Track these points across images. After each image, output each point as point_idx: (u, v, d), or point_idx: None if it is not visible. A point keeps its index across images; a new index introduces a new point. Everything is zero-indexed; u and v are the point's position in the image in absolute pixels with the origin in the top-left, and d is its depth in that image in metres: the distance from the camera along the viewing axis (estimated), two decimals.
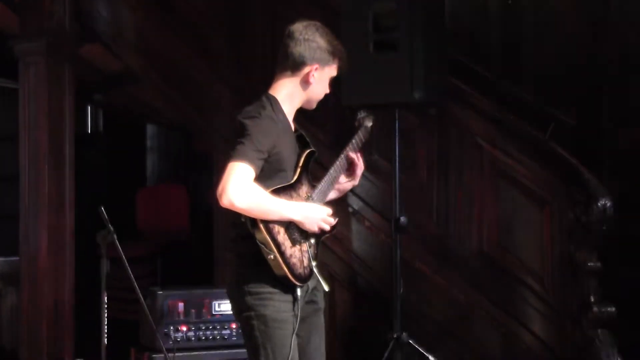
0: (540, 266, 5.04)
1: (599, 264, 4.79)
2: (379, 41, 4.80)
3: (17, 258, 6.28)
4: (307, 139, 3.68)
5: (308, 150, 3.63)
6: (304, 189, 3.58)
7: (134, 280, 4.25)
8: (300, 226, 3.50)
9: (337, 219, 3.66)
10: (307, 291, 3.58)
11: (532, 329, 5.04)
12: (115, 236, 4.23)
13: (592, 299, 4.77)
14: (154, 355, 4.92)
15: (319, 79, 3.61)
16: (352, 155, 3.75)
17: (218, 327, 5.05)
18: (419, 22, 4.71)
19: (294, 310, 3.51)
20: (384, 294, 5.17)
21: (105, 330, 4.32)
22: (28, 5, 6.23)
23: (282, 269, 3.44)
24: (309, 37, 3.57)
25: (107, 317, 4.32)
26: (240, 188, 3.35)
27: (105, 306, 4.30)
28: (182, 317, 5.02)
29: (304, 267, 3.52)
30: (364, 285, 5.59)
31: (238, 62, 6.18)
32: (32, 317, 6.04)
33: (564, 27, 6.41)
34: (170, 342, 4.92)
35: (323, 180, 3.65)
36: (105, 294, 4.28)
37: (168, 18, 6.32)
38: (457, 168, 5.36)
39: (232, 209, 3.38)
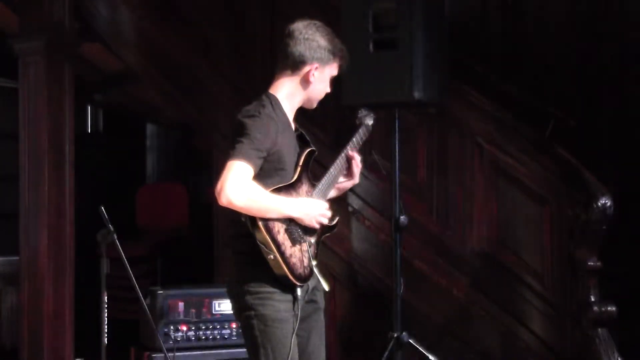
0: (540, 265, 5.04)
1: (599, 263, 4.79)
2: (379, 40, 4.80)
3: (17, 257, 6.29)
4: (308, 138, 3.68)
5: (308, 149, 3.63)
6: (304, 188, 3.58)
7: (133, 279, 4.25)
8: (300, 222, 3.50)
9: (337, 218, 3.66)
10: (307, 291, 3.59)
11: (532, 328, 5.04)
12: (115, 235, 4.23)
13: (592, 298, 4.76)
14: (154, 355, 4.92)
15: (319, 79, 3.61)
16: (350, 153, 3.75)
17: (218, 326, 5.06)
18: (419, 21, 4.70)
19: (294, 309, 3.51)
20: (384, 293, 5.16)
21: (105, 330, 4.32)
22: (28, 4, 6.23)
23: (282, 268, 3.44)
24: (309, 37, 3.58)
25: (107, 316, 4.32)
26: (238, 186, 3.35)
27: (105, 306, 4.31)
28: (182, 317, 5.02)
29: (304, 267, 3.52)
30: (364, 285, 5.59)
31: (238, 61, 6.18)
32: (33, 316, 6.04)
33: (563, 26, 6.42)
34: (170, 342, 4.93)
35: (323, 179, 3.65)
36: (105, 293, 4.28)
37: (168, 17, 6.32)
38: (457, 167, 5.36)
39: (230, 207, 3.38)
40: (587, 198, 4.77)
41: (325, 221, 3.57)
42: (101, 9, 6.42)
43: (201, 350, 5.03)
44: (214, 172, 5.80)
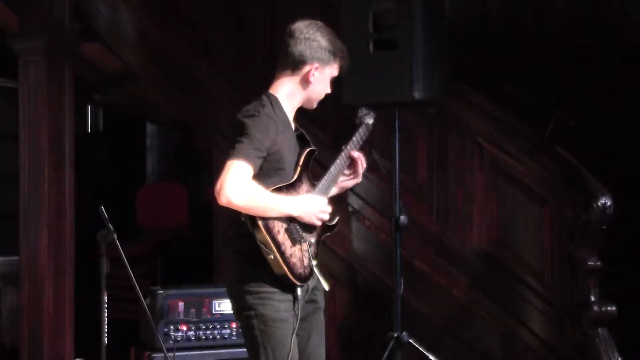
0: (540, 265, 5.05)
1: (599, 263, 4.79)
2: (379, 40, 4.80)
3: (17, 257, 6.29)
4: (308, 138, 3.68)
5: (308, 149, 3.63)
6: (304, 188, 3.58)
7: (133, 279, 4.25)
8: (300, 220, 3.50)
9: (337, 218, 3.66)
10: (307, 290, 3.59)
11: (532, 328, 5.04)
12: (115, 235, 4.23)
13: (592, 298, 4.76)
14: (154, 355, 4.92)
15: (319, 79, 3.61)
16: (354, 153, 3.75)
17: (218, 326, 5.06)
18: (419, 21, 4.70)
19: (294, 309, 3.51)
20: (384, 293, 5.17)
21: (105, 330, 4.32)
22: (28, 4, 6.23)
23: (282, 268, 3.44)
24: (310, 36, 3.57)
25: (107, 316, 4.32)
26: (238, 186, 3.35)
27: (105, 305, 4.30)
28: (182, 317, 5.02)
29: (304, 267, 3.52)
30: (364, 285, 5.59)
31: (238, 61, 6.18)
32: (33, 316, 6.04)
33: (563, 26, 6.42)
34: (170, 342, 4.93)
35: (323, 179, 3.65)
36: (105, 293, 4.28)
37: (168, 16, 6.32)
38: (457, 167, 5.36)
39: (230, 207, 3.38)
40: (587, 198, 4.77)
41: (326, 217, 3.57)
42: (101, 8, 6.42)
43: (201, 350, 5.03)
44: (214, 172, 5.79)
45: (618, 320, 4.80)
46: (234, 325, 5.00)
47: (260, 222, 3.40)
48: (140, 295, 4.37)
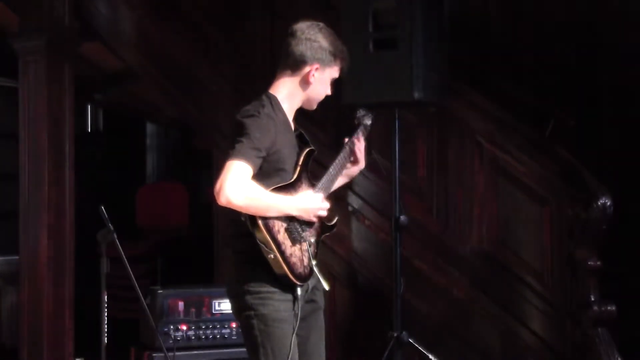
0: (540, 264, 5.04)
1: (598, 263, 4.79)
2: (379, 40, 4.80)
3: (17, 257, 6.29)
4: (307, 138, 3.69)
5: (307, 149, 3.63)
6: (304, 188, 3.58)
7: (133, 279, 4.24)
8: (300, 219, 3.50)
9: (337, 217, 3.66)
10: (307, 290, 3.58)
11: (532, 328, 5.04)
12: (115, 235, 4.23)
13: (592, 298, 4.76)
14: (154, 354, 4.92)
15: (320, 80, 3.61)
16: (354, 140, 3.75)
17: (218, 326, 5.06)
18: (419, 20, 4.70)
19: (294, 309, 3.51)
20: (384, 292, 5.17)
21: (105, 329, 4.31)
22: (28, 3, 6.23)
23: (282, 268, 3.44)
24: (311, 37, 3.57)
25: (107, 316, 4.31)
26: (237, 185, 3.35)
27: (105, 305, 4.30)
28: (182, 316, 5.02)
29: (304, 266, 3.52)
30: (364, 284, 5.59)
31: (238, 61, 6.18)
32: (32, 316, 6.04)
33: (563, 26, 6.41)
34: (170, 341, 4.92)
35: (323, 179, 3.65)
36: (105, 293, 4.27)
37: (168, 16, 6.33)
38: (457, 166, 5.36)
39: (229, 207, 3.38)
40: (587, 198, 4.77)
41: (324, 214, 3.57)
42: (101, 8, 6.42)
43: (201, 350, 5.03)
44: (214, 172, 5.80)
45: (618, 320, 4.80)
46: (234, 325, 5.00)
47: (260, 222, 3.40)
48: (140, 294, 4.37)
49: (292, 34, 3.59)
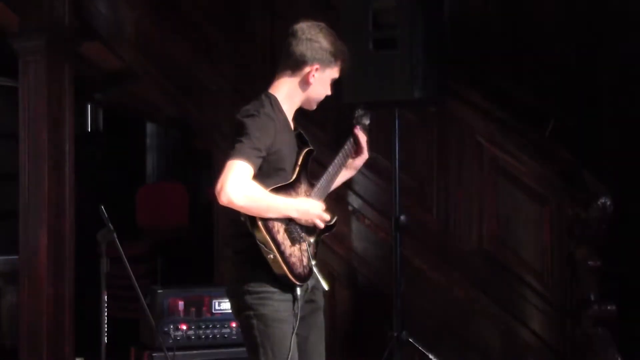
0: (540, 264, 5.05)
1: (598, 262, 4.79)
2: (379, 39, 4.80)
3: (17, 257, 6.29)
4: (307, 138, 3.69)
5: (306, 149, 3.63)
6: (303, 188, 3.58)
7: (133, 278, 4.24)
8: (298, 222, 3.50)
9: (336, 217, 3.66)
10: (306, 290, 3.58)
11: (532, 327, 5.04)
12: (115, 235, 4.23)
13: (592, 297, 4.77)
14: (154, 354, 4.92)
15: (320, 80, 3.61)
16: (360, 138, 3.75)
17: (218, 325, 5.05)
18: (418, 19, 4.71)
19: (293, 309, 3.50)
20: (384, 292, 5.17)
21: (105, 329, 4.31)
22: (28, 3, 6.23)
23: (281, 268, 3.44)
24: (311, 37, 3.57)
25: (107, 315, 4.31)
26: (238, 185, 3.35)
27: (105, 305, 4.30)
28: (182, 316, 5.02)
29: (304, 266, 3.51)
30: (364, 284, 5.59)
31: (238, 61, 6.18)
32: (32, 315, 6.04)
33: (563, 26, 6.41)
34: (170, 341, 4.92)
35: (322, 179, 3.65)
36: (105, 292, 4.27)
37: (168, 15, 6.33)
38: (457, 166, 5.36)
39: (230, 206, 3.38)
40: (587, 197, 4.77)
41: (322, 225, 3.57)
42: (101, 8, 6.42)
43: (201, 350, 5.03)
44: (214, 172, 5.80)
45: (618, 320, 4.80)
46: (233, 324, 5.00)
47: (259, 222, 3.40)
48: (140, 294, 4.37)
49: (293, 34, 3.59)
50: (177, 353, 4.85)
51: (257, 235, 3.41)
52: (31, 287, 6.06)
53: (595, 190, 4.78)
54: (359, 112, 3.90)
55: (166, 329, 4.95)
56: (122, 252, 4.21)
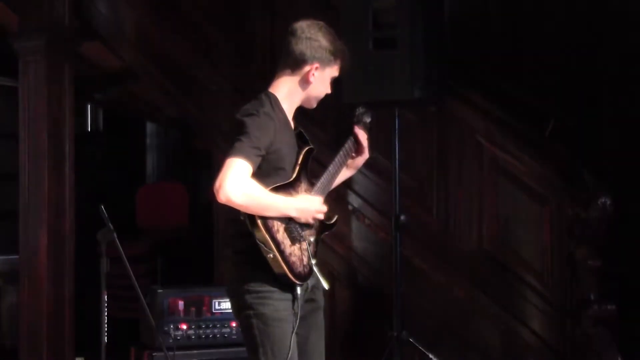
0: (540, 264, 5.05)
1: (598, 262, 4.79)
2: (379, 39, 4.80)
3: (17, 257, 6.28)
4: (307, 137, 3.69)
5: (306, 148, 3.63)
6: (303, 187, 3.58)
7: (134, 278, 4.24)
8: (297, 220, 3.50)
9: (336, 216, 3.66)
10: (306, 289, 3.58)
11: (532, 327, 5.04)
12: (115, 234, 4.23)
13: (592, 297, 4.77)
14: (154, 354, 4.92)
15: (320, 79, 3.61)
16: (361, 137, 3.75)
17: (218, 325, 5.05)
18: (418, 19, 4.71)
19: (293, 308, 3.50)
20: (384, 291, 5.17)
21: (105, 329, 4.31)
22: (28, 3, 6.23)
23: (281, 267, 3.43)
24: (311, 36, 3.57)
25: (107, 315, 4.31)
26: (237, 183, 3.35)
27: (105, 305, 4.30)
28: (182, 316, 5.02)
29: (304, 266, 3.51)
30: (364, 283, 5.59)
31: (238, 61, 6.18)
32: (32, 315, 6.04)
33: (563, 26, 6.41)
34: (171, 341, 4.92)
35: (322, 178, 3.65)
36: (105, 292, 4.27)
37: (168, 15, 6.33)
38: (457, 165, 5.36)
39: (228, 204, 3.38)
40: (587, 197, 4.78)
41: (322, 217, 3.57)
42: (101, 8, 6.42)
43: (201, 349, 5.03)
44: (214, 172, 5.79)
45: (618, 320, 4.80)
46: (234, 324, 5.00)
47: (259, 221, 3.40)
48: (140, 294, 4.37)
49: (292, 33, 3.59)
50: (177, 353, 4.84)
51: (257, 234, 3.41)
52: (31, 287, 6.06)
53: (595, 190, 4.78)
54: (359, 110, 3.90)
55: (166, 329, 4.95)
56: (122, 252, 4.21)
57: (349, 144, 3.77)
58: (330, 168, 3.69)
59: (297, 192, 3.55)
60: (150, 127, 9.05)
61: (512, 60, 6.49)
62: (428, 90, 4.75)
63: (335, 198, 3.82)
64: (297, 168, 3.57)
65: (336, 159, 3.71)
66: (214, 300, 5.06)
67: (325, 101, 3.75)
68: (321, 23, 3.64)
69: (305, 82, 3.60)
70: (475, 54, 6.25)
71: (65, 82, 6.15)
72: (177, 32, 6.30)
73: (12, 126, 6.60)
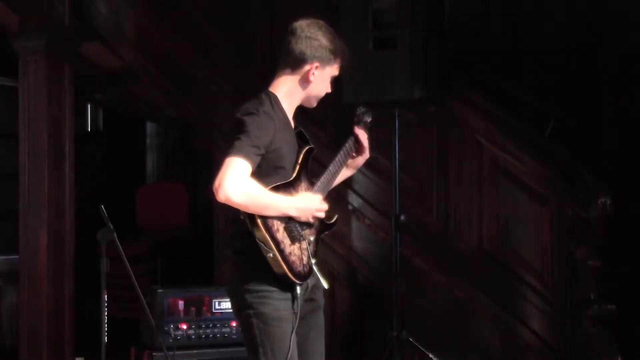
0: (540, 264, 5.05)
1: (598, 262, 4.79)
2: (379, 39, 4.80)
3: (17, 256, 6.28)
4: (307, 136, 3.68)
5: (307, 148, 3.63)
6: (303, 186, 3.58)
7: (134, 278, 4.24)
8: (297, 219, 3.50)
9: (336, 216, 3.66)
10: (306, 289, 3.58)
11: (532, 327, 5.04)
12: (115, 234, 4.23)
13: (592, 297, 4.77)
14: (154, 354, 4.92)
15: (320, 78, 3.61)
16: (362, 137, 3.75)
17: (218, 325, 5.06)
18: (418, 19, 4.71)
19: (293, 308, 3.50)
20: (384, 291, 5.17)
21: (105, 329, 4.31)
22: (28, 3, 6.23)
23: (281, 267, 3.43)
24: (311, 35, 3.57)
25: (107, 315, 4.31)
26: (237, 182, 3.35)
27: (105, 304, 4.30)
28: (182, 315, 5.02)
29: (304, 265, 3.51)
30: (364, 283, 5.59)
31: (238, 61, 6.18)
32: (32, 315, 6.04)
33: (563, 26, 6.41)
34: (171, 340, 4.92)
35: (322, 177, 3.65)
36: (105, 292, 4.27)
37: (168, 15, 6.33)
38: (457, 165, 5.37)
39: (228, 203, 3.38)
40: (586, 197, 4.78)
41: (322, 215, 3.57)
42: (101, 8, 6.42)
43: (201, 349, 5.03)
44: (214, 172, 5.78)
45: (618, 320, 4.80)
46: (234, 324, 5.00)
47: (259, 220, 3.40)
48: (140, 294, 4.37)
49: (292, 32, 3.59)
50: (177, 353, 4.85)
51: (257, 233, 3.40)
52: (31, 287, 6.05)
53: (595, 190, 4.79)
54: (360, 109, 3.89)
55: (166, 329, 4.95)
56: (122, 252, 4.21)
57: (349, 144, 3.77)
58: (331, 168, 3.69)
59: (297, 191, 3.55)
60: (150, 127, 9.05)
61: (512, 60, 6.49)
62: (428, 90, 4.75)
63: (335, 198, 3.82)
64: (297, 167, 3.57)
65: (336, 159, 3.71)
66: (214, 300, 5.06)
67: (325, 101, 3.75)
68: (321, 22, 3.64)
69: (305, 81, 3.60)
70: (475, 54, 6.25)
71: (65, 82, 6.15)
72: (177, 32, 6.30)
73: (12, 126, 6.59)
